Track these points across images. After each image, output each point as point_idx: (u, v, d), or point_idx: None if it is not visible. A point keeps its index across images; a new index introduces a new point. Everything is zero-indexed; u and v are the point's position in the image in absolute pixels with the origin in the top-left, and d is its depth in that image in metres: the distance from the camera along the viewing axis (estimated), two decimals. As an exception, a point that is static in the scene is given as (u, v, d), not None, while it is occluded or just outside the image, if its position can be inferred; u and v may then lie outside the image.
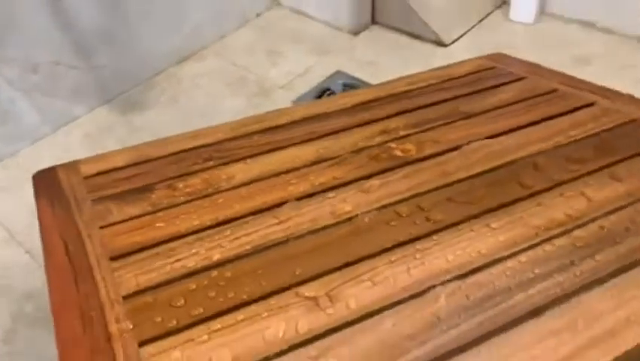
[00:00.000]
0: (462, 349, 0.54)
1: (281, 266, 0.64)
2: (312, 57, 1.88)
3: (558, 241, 0.65)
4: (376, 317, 0.57)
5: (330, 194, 0.77)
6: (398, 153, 0.85)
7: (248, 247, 0.68)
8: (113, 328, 0.58)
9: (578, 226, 0.68)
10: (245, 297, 0.60)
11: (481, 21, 1.94)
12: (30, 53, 1.54)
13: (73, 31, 1.61)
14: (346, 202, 0.74)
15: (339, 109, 1.01)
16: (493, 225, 0.69)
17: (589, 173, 0.78)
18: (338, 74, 1.79)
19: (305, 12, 2.07)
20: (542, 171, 0.79)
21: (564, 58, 1.76)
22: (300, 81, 1.79)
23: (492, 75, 1.11)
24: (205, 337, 0.56)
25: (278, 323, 0.57)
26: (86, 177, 0.86)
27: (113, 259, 0.68)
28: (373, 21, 2.00)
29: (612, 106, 0.95)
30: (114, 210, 0.77)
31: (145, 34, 1.78)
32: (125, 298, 0.62)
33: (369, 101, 1.04)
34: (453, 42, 1.87)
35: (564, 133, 0.88)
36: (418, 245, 0.66)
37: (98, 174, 0.87)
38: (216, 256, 0.67)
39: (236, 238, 0.69)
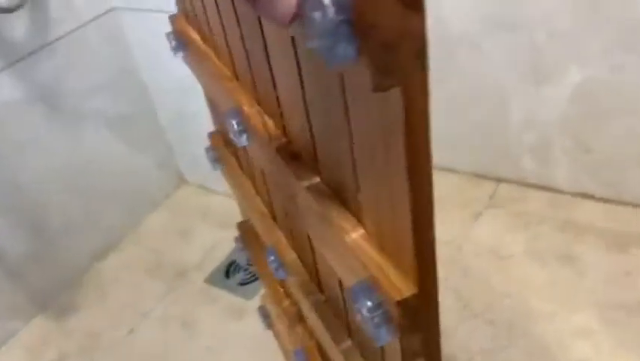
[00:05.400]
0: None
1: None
2: (218, 232, 2.17)
3: None
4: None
5: None
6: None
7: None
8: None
9: None
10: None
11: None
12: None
13: (3, 263, 1.84)
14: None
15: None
16: None
17: None
18: (241, 246, 2.08)
19: (208, 187, 2.39)
20: None
21: None
22: (210, 258, 2.07)
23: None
24: None
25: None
26: None
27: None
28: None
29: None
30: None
31: (67, 242, 2.03)
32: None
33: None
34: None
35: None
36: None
37: None
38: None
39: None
